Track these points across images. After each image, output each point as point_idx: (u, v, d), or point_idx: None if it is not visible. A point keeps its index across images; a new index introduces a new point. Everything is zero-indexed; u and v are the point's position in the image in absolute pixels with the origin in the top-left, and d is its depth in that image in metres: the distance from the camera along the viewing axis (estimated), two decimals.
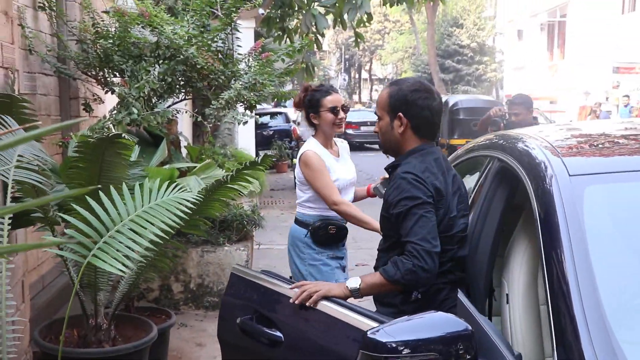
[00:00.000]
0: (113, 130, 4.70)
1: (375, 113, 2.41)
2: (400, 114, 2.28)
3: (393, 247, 2.25)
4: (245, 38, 7.63)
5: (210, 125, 5.10)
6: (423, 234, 2.06)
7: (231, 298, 2.55)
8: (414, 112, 2.27)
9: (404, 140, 2.31)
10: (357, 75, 67.49)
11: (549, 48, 32.16)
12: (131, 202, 2.12)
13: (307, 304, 2.07)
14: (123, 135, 2.78)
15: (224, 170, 4.54)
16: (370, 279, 2.13)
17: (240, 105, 5.38)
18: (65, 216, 2.51)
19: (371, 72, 65.69)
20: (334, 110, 3.41)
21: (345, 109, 3.47)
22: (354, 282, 2.13)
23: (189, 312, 5.24)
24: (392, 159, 2.43)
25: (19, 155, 2.45)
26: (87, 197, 2.41)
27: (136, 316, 3.72)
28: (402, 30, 49.97)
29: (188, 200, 2.27)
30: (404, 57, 48.12)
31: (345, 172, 3.46)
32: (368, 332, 1.64)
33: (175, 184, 2.31)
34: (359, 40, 12.46)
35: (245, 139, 12.45)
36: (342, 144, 3.62)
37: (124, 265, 1.90)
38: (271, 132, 18.37)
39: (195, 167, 4.51)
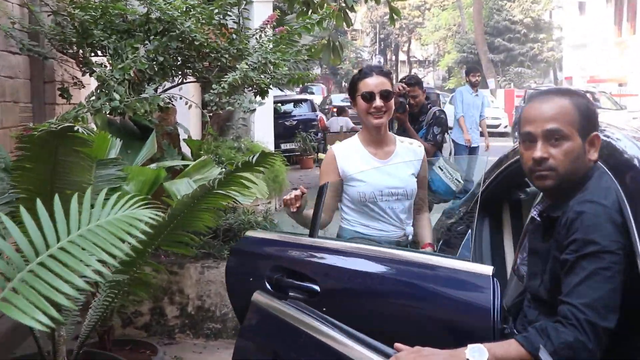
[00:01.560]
0: (91, 120, 4.35)
1: (560, 132, 1.94)
2: (596, 134, 1.95)
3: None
4: (261, 13, 7.29)
5: (211, 114, 4.73)
6: (593, 298, 1.69)
7: (251, 343, 2.49)
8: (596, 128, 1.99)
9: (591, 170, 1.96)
10: (393, 57, 66.89)
11: (616, 22, 31.41)
12: (64, 224, 1.70)
13: None
14: (77, 128, 2.37)
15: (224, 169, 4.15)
16: (502, 351, 1.72)
17: (250, 90, 5.16)
18: None
19: (409, 53, 65.07)
20: (366, 96, 3.04)
21: (386, 94, 3.04)
22: (477, 354, 1.71)
23: (185, 342, 4.85)
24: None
25: None
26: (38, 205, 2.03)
27: (109, 355, 3.32)
28: (444, 6, 49.30)
29: (153, 218, 1.84)
30: (447, 36, 47.47)
31: (383, 178, 3.06)
32: None
33: (128, 197, 1.88)
34: (395, 16, 11.98)
35: (263, 130, 12.16)
36: (411, 147, 3.19)
37: (46, 314, 1.47)
38: (294, 122, 17.98)
39: (189, 164, 4.13)
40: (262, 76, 4.88)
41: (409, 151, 3.17)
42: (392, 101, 3.09)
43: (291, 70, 5.27)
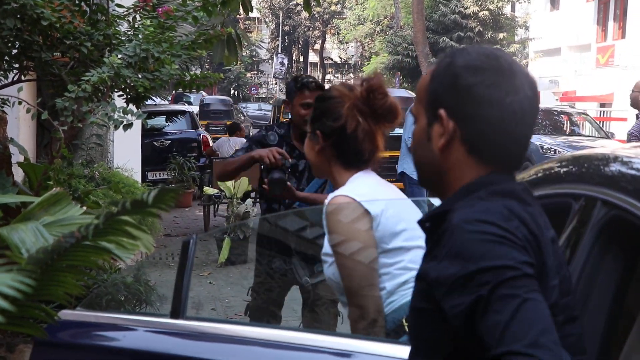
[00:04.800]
0: None
1: (411, 111, 2.15)
2: (443, 111, 1.97)
3: None
4: None
5: (66, 127, 4.65)
6: (535, 333, 1.72)
7: None
8: (468, 110, 1.97)
9: (450, 163, 2.02)
10: (301, 58, 68.00)
11: (599, 21, 32.89)
12: None
13: None
14: None
15: (85, 208, 4.05)
16: None
17: (120, 96, 5.20)
18: None
19: (323, 53, 66.20)
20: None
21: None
22: None
23: None
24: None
25: None
26: None
27: None
28: None
29: None
30: (375, 32, 48.50)
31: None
32: None
33: None
34: (312, 1, 12.07)
35: (125, 152, 12.06)
36: None
37: None
38: (167, 143, 17.84)
39: (34, 201, 4.03)
40: (140, 76, 4.88)
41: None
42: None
43: (181, 68, 5.26)
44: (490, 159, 2.02)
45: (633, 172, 2.46)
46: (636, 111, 9.63)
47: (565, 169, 2.87)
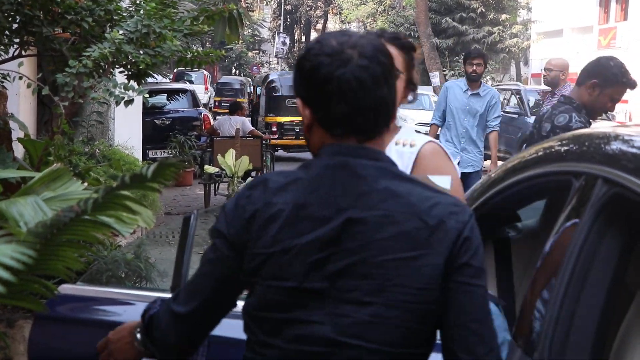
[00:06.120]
0: None
1: None
2: (298, 100, 2.17)
3: None
4: None
5: (66, 103, 4.67)
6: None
7: None
8: (311, 93, 2.13)
9: (314, 142, 2.18)
10: (303, 38, 67.78)
11: (602, 3, 32.77)
12: None
13: None
14: None
15: (86, 184, 4.07)
16: None
17: (121, 72, 5.23)
18: None
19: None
20: None
21: None
22: None
23: None
24: None
25: None
26: None
27: None
28: None
29: None
30: (377, 12, 48.42)
31: None
32: None
33: None
34: None
35: (126, 130, 12.10)
36: (403, 150, 3.18)
37: None
38: (168, 122, 17.83)
39: (34, 177, 4.07)
40: (142, 52, 4.90)
41: (397, 156, 3.07)
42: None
43: (183, 45, 5.28)
44: (340, 129, 2.08)
45: (634, 150, 2.48)
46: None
47: (566, 148, 2.88)
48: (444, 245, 1.95)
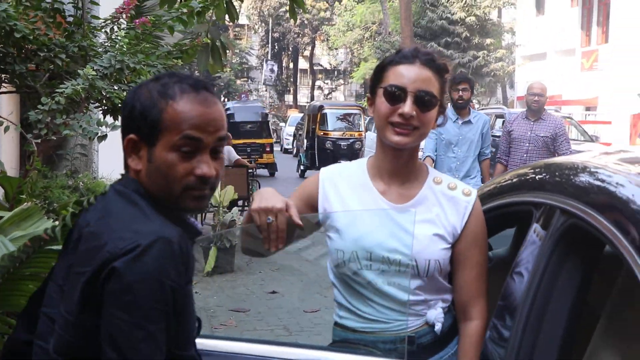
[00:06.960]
0: None
1: None
2: (132, 137, 2.13)
3: None
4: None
5: (40, 140, 4.62)
6: None
7: None
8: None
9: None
10: (291, 65, 67.90)
11: (584, 26, 32.89)
12: None
13: None
14: None
15: (56, 223, 4.00)
16: None
17: (97, 107, 5.23)
18: None
19: (313, 59, 66.21)
20: (392, 92, 2.64)
21: (425, 98, 2.62)
22: None
23: None
24: None
25: None
26: None
27: None
28: None
29: None
30: (364, 38, 48.56)
31: (378, 231, 2.68)
32: None
33: None
34: (296, 8, 12.03)
35: (110, 163, 11.91)
36: (451, 194, 2.74)
37: None
38: None
39: (4, 216, 4.01)
40: (116, 87, 4.86)
41: (446, 199, 2.74)
42: (433, 113, 2.66)
43: None
44: None
45: (594, 182, 2.46)
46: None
47: (531, 177, 2.86)
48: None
